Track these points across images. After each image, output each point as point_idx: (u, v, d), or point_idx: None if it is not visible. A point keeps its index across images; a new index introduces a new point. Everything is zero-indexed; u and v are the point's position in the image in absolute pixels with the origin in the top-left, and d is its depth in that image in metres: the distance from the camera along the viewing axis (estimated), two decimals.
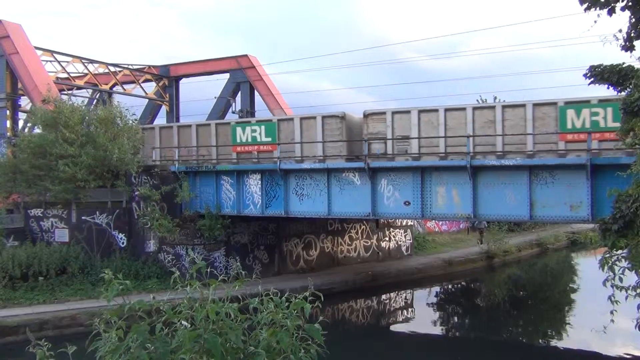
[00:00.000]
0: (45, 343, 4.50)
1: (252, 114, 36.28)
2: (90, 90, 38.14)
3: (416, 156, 20.41)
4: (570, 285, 33.19)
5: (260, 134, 23.72)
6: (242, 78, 36.99)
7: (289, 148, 22.91)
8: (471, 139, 19.14)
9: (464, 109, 20.01)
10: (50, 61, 32.84)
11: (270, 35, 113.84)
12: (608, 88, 12.98)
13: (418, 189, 20.26)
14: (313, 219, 26.73)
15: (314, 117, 22.65)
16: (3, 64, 29.61)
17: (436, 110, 20.32)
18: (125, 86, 38.04)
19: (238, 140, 24.21)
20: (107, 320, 4.44)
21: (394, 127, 20.85)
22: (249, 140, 23.96)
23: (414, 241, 35.17)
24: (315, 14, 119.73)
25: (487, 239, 35.96)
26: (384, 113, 21.10)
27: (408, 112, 20.81)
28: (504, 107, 19.51)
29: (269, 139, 23.52)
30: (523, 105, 19.14)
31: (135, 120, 27.95)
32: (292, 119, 23.28)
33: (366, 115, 21.49)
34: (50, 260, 22.54)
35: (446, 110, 20.18)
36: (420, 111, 20.50)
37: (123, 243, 24.95)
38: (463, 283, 32.39)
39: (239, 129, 24.22)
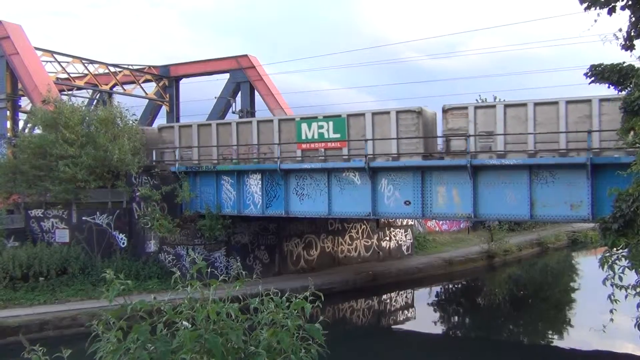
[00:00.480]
0: (40, 348, 4.49)
1: (252, 114, 36.29)
2: (90, 91, 38.18)
3: (501, 153, 19.13)
4: (571, 284, 33.20)
5: (327, 130, 22.26)
6: (242, 78, 37.01)
7: (359, 145, 21.62)
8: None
9: (556, 102, 18.47)
10: (50, 61, 32.85)
11: (270, 35, 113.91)
12: (608, 87, 12.99)
13: (418, 188, 20.26)
14: (313, 218, 26.74)
15: (388, 112, 21.25)
16: (3, 64, 29.63)
17: (524, 105, 18.89)
18: (126, 86, 38.06)
19: (303, 137, 22.66)
20: (107, 321, 4.44)
21: (477, 123, 19.50)
22: (315, 137, 22.46)
23: (414, 241, 35.17)
24: (315, 14, 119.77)
25: (487, 239, 35.95)
26: (466, 108, 19.80)
27: (493, 106, 19.75)
28: (601, 100, 17.78)
29: (338, 136, 22.10)
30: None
31: (136, 120, 27.97)
32: (363, 115, 21.77)
33: (445, 110, 20.08)
34: (51, 260, 22.54)
35: (535, 104, 18.74)
36: (507, 105, 19.27)
37: (123, 243, 24.96)
38: (464, 282, 32.39)
39: (304, 125, 22.68)
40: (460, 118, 19.74)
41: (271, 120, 24.01)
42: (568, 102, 18.23)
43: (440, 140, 21.11)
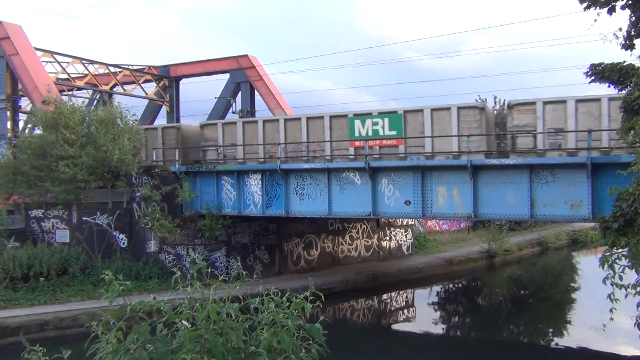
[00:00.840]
0: (41, 348, 4.50)
1: (252, 114, 36.29)
2: (90, 91, 38.15)
3: (573, 151, 18.28)
4: (571, 284, 33.20)
5: (383, 127, 21.33)
6: (242, 78, 37.00)
7: (417, 143, 20.81)
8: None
9: None
10: (51, 62, 32.84)
11: (270, 35, 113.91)
12: (609, 86, 12.99)
13: (418, 188, 20.25)
14: (314, 218, 26.73)
15: (448, 109, 20.37)
16: (3, 65, 29.63)
17: (598, 100, 18.01)
18: (126, 87, 38.05)
19: (357, 134, 21.88)
20: (107, 321, 4.44)
21: (545, 119, 18.64)
22: (370, 134, 21.62)
23: (414, 240, 35.17)
24: (314, 14, 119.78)
25: (487, 239, 35.96)
26: (534, 103, 18.93)
27: (563, 101, 18.66)
28: None
29: (394, 133, 21.19)
30: None
31: (136, 120, 27.96)
32: (421, 111, 20.91)
33: (511, 106, 19.31)
34: (51, 261, 22.55)
35: (610, 99, 17.84)
36: (578, 101, 18.38)
37: (124, 243, 24.97)
38: (464, 282, 32.39)
39: (357, 122, 21.83)
40: (527, 114, 18.96)
41: (321, 117, 22.97)
42: None
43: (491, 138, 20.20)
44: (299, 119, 23.35)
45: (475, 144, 19.76)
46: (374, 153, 21.46)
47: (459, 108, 20.13)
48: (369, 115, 21.95)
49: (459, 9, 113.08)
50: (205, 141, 25.49)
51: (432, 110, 20.70)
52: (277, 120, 23.91)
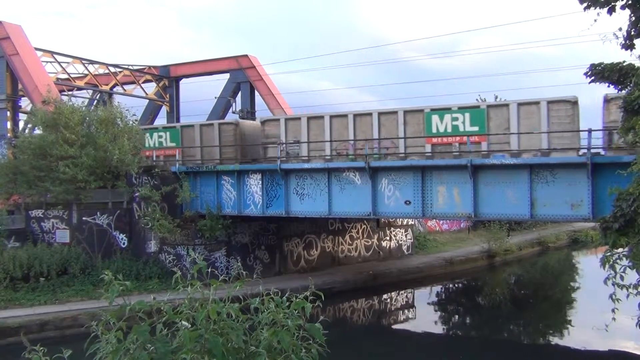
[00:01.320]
0: (41, 348, 4.50)
1: (253, 114, 36.29)
2: (90, 91, 38.18)
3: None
4: (572, 283, 33.19)
5: (463, 122, 20.06)
6: (243, 78, 37.01)
7: (501, 139, 19.55)
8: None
9: None
10: (51, 62, 32.86)
11: (270, 35, 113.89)
12: (608, 86, 13.00)
13: (419, 188, 20.25)
14: (314, 218, 26.72)
15: (537, 103, 19.00)
16: (3, 65, 29.63)
17: None
18: (126, 87, 38.08)
19: (434, 131, 20.56)
20: (107, 321, 4.44)
21: None
22: (449, 130, 20.29)
23: (414, 240, 35.17)
24: (314, 14, 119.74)
25: (487, 238, 35.98)
26: None
27: None
28: None
29: (476, 129, 19.87)
30: None
31: (136, 120, 27.97)
32: (506, 105, 19.67)
33: (608, 100, 17.74)
34: (51, 261, 22.55)
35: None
36: None
37: (124, 243, 24.97)
38: (464, 282, 32.39)
39: (435, 117, 20.52)
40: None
41: (395, 112, 21.56)
42: None
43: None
44: (370, 114, 21.98)
45: (567, 140, 18.59)
46: (453, 151, 20.24)
47: (549, 102, 18.85)
48: (447, 110, 20.51)
49: (459, 8, 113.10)
50: (266, 138, 23.91)
51: (519, 104, 19.36)
52: (346, 115, 22.35)
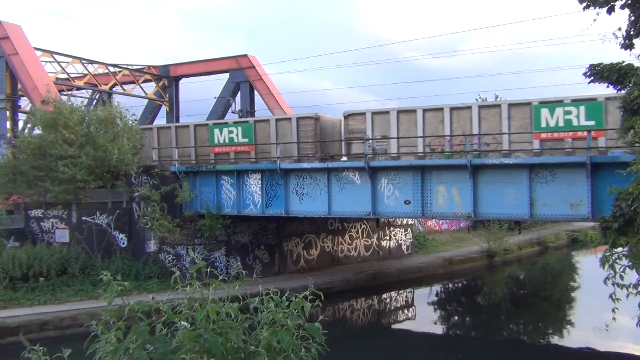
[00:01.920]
0: (41, 348, 4.50)
1: (252, 114, 36.29)
2: (89, 91, 38.16)
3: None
4: (571, 283, 33.20)
5: (577, 116, 18.54)
6: (242, 78, 37.01)
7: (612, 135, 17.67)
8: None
9: None
10: (50, 62, 32.84)
11: (269, 35, 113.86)
12: (608, 86, 12.99)
13: (418, 187, 20.25)
14: (313, 218, 26.73)
15: None
16: (3, 64, 29.62)
17: None
18: (125, 86, 38.06)
19: (543, 125, 19.02)
20: (106, 321, 4.44)
21: None
22: (560, 124, 18.76)
23: (414, 240, 35.19)
24: (314, 14, 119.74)
25: (486, 238, 35.99)
26: None
27: None
28: None
29: (592, 123, 18.27)
30: None
31: (135, 120, 27.95)
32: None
33: None
34: (51, 260, 22.54)
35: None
36: None
37: (123, 243, 24.97)
38: (464, 282, 32.40)
39: (544, 111, 18.92)
40: None
41: (498, 105, 20.24)
42: None
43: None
44: (469, 107, 20.50)
45: None
46: (565, 147, 18.51)
47: None
48: (559, 103, 18.86)
49: (459, 8, 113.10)
50: (349, 133, 22.32)
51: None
52: (441, 109, 20.81)
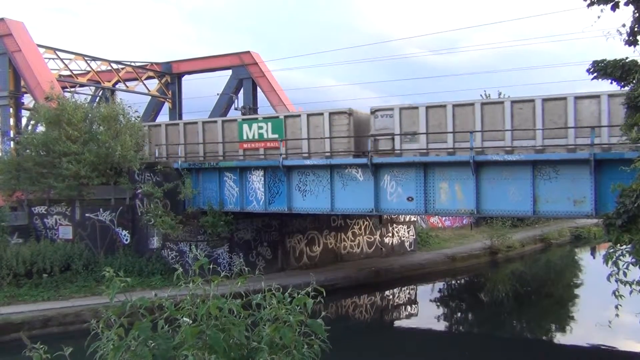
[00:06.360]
0: (42, 346, 4.51)
1: (255, 111, 36.29)
2: (92, 88, 38.19)
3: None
4: (574, 280, 33.15)
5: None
6: (245, 74, 36.99)
7: None
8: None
9: None
10: (53, 59, 32.86)
11: (272, 32, 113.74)
12: (611, 83, 12.93)
13: (421, 184, 20.23)
14: (316, 215, 26.73)
15: None
16: (6, 61, 29.65)
17: None
18: (128, 83, 38.07)
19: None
20: (108, 319, 4.45)
21: None
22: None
23: (417, 237, 35.17)
24: (316, 11, 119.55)
25: (489, 235, 35.95)
26: None
27: None
28: None
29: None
30: None
31: (138, 117, 27.97)
32: None
33: None
34: (54, 257, 22.61)
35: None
36: None
37: (127, 240, 25.02)
38: (467, 279, 32.38)
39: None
40: None
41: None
42: None
43: None
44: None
45: None
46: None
47: None
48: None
49: (460, 5, 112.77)
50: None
51: None
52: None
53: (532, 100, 19.13)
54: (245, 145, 24.52)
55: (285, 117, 24.16)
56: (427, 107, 20.76)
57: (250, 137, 24.41)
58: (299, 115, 23.61)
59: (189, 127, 26.31)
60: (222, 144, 25.18)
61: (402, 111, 21.09)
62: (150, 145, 26.63)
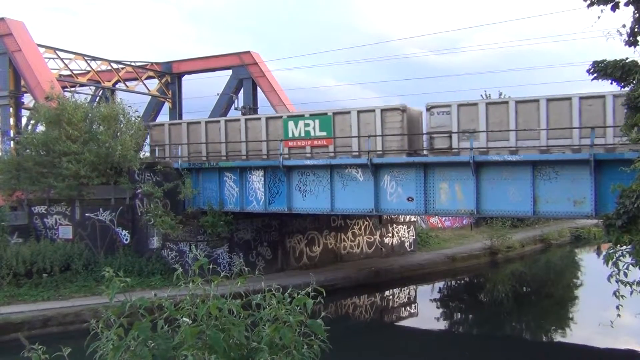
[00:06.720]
0: (40, 346, 4.51)
1: (255, 111, 36.28)
2: (92, 88, 38.17)
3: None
4: (574, 280, 33.15)
5: None
6: (245, 74, 36.97)
7: None
8: None
9: None
10: (53, 58, 32.84)
11: (272, 32, 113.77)
12: (611, 83, 12.93)
13: (421, 184, 20.23)
14: (316, 215, 26.73)
15: None
16: (6, 61, 29.64)
17: None
18: (128, 83, 38.05)
19: None
20: (107, 318, 4.44)
21: None
22: None
23: (417, 237, 35.17)
24: (317, 11, 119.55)
25: (489, 235, 35.94)
26: None
27: None
28: None
29: None
30: None
31: (138, 117, 27.97)
32: None
33: None
34: (54, 257, 22.61)
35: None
36: None
37: (127, 240, 25.02)
38: (466, 279, 32.38)
39: None
40: None
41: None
42: None
43: None
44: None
45: None
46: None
47: None
48: None
49: (461, 5, 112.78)
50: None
51: None
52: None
53: (602, 97, 18.59)
54: (290, 144, 23.55)
55: (334, 113, 23.14)
56: (488, 104, 20.19)
57: (296, 135, 23.49)
58: (349, 112, 22.73)
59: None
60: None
61: (460, 108, 20.29)
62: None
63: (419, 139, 21.86)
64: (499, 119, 19.57)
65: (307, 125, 23.38)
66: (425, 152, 21.41)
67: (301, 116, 23.95)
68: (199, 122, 26.65)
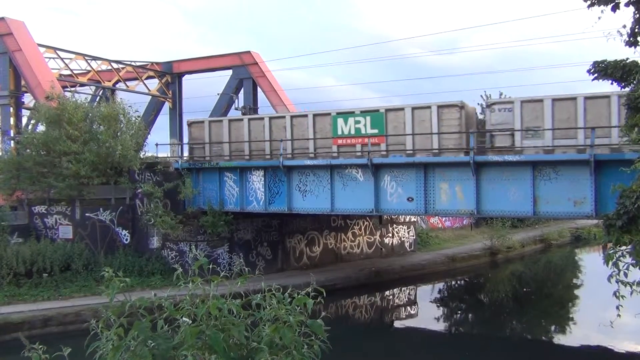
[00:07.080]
0: (40, 346, 4.51)
1: (255, 111, 36.28)
2: (93, 87, 38.19)
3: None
4: (574, 281, 33.15)
5: None
6: (245, 74, 36.98)
7: None
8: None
9: None
10: (53, 58, 32.86)
11: (272, 32, 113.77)
12: (612, 84, 12.92)
13: (421, 185, 20.23)
14: (316, 215, 26.73)
15: None
16: (6, 61, 29.65)
17: None
18: (128, 83, 38.08)
19: None
20: (107, 318, 4.44)
21: None
22: None
23: (417, 237, 35.17)
24: (317, 11, 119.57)
25: (489, 235, 35.93)
26: None
27: None
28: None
29: None
30: None
31: (138, 117, 27.97)
32: None
33: None
34: (54, 256, 22.60)
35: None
36: None
37: (127, 239, 25.02)
38: (467, 279, 32.38)
39: None
40: None
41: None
42: None
43: None
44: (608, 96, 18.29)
45: None
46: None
47: None
48: None
49: (461, 5, 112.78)
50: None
51: None
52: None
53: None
54: (339, 141, 22.68)
55: (387, 110, 22.11)
56: (554, 100, 19.11)
57: (346, 132, 22.58)
58: (402, 109, 21.73)
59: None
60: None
61: (523, 104, 19.40)
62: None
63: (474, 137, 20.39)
64: (566, 115, 18.68)
65: (357, 122, 22.45)
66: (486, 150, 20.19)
67: (351, 113, 22.89)
68: (241, 120, 25.62)
